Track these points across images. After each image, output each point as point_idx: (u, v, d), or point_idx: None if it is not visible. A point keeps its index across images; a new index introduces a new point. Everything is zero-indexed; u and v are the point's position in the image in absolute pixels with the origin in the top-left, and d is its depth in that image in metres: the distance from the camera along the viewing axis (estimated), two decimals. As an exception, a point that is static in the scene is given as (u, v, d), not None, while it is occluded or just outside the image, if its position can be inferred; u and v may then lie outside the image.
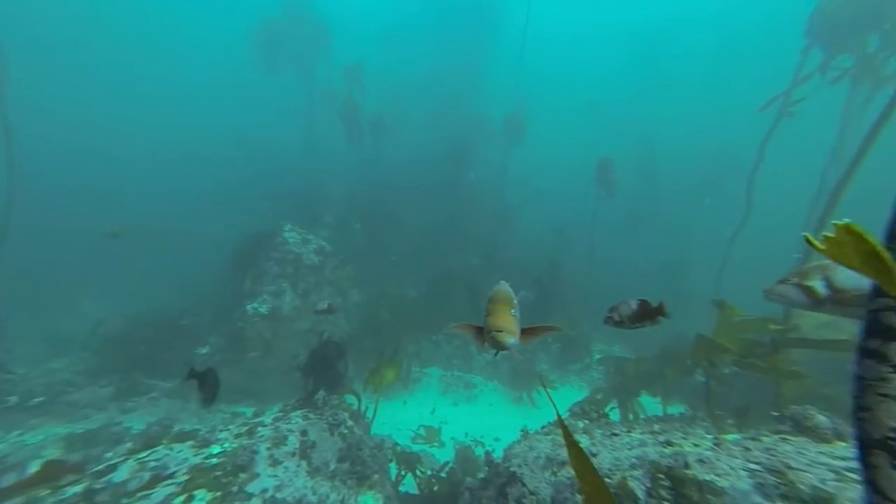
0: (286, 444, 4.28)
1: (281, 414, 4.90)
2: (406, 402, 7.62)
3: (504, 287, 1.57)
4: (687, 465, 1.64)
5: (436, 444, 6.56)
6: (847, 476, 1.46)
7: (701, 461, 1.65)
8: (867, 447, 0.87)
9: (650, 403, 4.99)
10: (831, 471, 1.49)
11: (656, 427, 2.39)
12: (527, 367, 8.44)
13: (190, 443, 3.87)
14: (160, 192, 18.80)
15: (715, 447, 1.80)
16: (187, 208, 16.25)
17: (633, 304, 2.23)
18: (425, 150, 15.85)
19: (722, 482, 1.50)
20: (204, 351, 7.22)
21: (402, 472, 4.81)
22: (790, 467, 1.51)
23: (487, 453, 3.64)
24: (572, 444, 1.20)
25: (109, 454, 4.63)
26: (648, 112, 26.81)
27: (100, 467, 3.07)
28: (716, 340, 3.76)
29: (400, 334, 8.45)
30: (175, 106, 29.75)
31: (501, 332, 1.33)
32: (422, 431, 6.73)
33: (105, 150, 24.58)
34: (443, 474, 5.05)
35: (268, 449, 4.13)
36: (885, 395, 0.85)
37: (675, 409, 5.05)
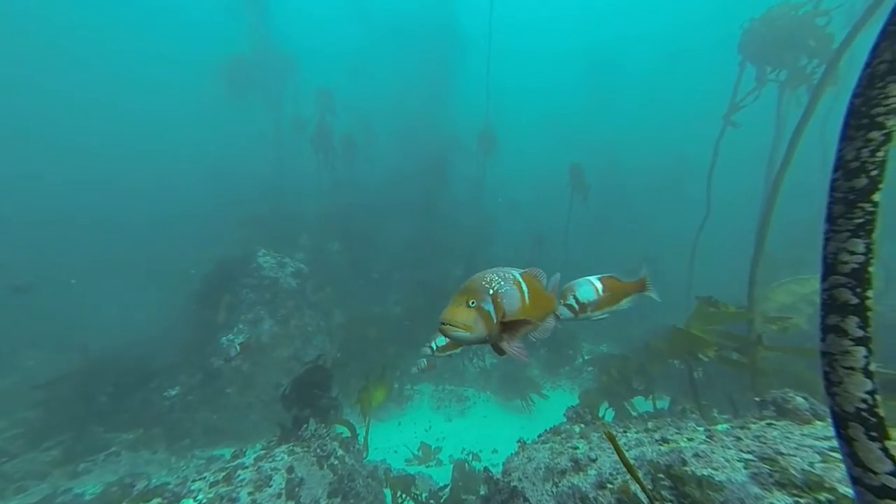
0: (270, 486, 3.99)
1: (263, 452, 4.57)
2: (400, 422, 7.37)
3: (480, 276, 1.36)
4: (684, 462, 1.65)
5: (433, 463, 6.35)
6: (830, 456, 1.51)
7: (697, 456, 1.66)
8: (842, 421, 0.90)
9: (640, 400, 5.09)
10: (817, 452, 1.53)
11: (650, 424, 2.42)
12: (518, 374, 8.43)
13: (157, 500, 3.51)
14: (127, 221, 17.69)
15: (708, 440, 1.82)
16: (154, 238, 15.36)
17: (597, 284, 2.13)
18: (400, 168, 16.00)
19: (720, 476, 1.51)
20: (174, 392, 6.69)
21: (400, 498, 4.59)
22: (780, 453, 1.54)
23: (486, 469, 3.55)
24: (630, 469, 1.14)
25: None
26: (605, 121, 28.65)
27: None
28: (693, 333, 3.91)
29: (387, 352, 8.24)
30: (142, 137, 28.57)
31: (444, 325, 1.23)
32: (417, 452, 6.50)
33: (72, 181, 23.06)
34: (442, 495, 4.87)
35: (249, 494, 3.82)
36: (851, 368, 0.88)
37: (661, 402, 5.18)
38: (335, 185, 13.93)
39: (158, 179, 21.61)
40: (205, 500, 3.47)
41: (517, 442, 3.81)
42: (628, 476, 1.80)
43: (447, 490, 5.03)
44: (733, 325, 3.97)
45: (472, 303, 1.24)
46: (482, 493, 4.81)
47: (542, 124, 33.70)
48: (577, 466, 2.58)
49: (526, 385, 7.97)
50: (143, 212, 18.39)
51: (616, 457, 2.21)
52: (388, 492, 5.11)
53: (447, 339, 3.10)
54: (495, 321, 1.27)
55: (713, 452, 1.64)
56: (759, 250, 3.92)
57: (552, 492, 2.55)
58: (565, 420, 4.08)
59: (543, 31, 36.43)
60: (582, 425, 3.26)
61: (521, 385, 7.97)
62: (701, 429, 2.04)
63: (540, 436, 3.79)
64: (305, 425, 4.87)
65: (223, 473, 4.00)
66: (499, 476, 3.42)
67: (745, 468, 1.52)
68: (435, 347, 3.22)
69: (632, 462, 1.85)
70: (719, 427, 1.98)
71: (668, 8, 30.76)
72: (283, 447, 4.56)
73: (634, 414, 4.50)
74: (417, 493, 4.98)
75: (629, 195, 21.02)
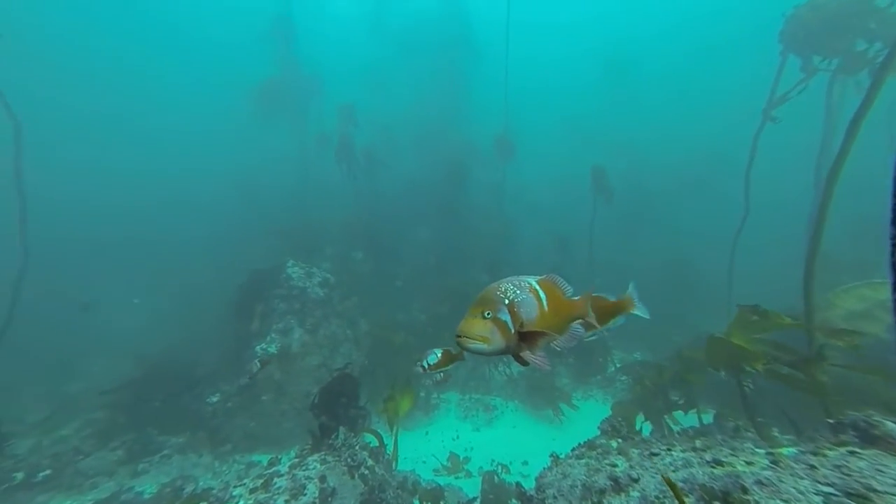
0: (304, 495, 4.08)
1: (297, 460, 4.69)
2: (428, 431, 7.35)
3: (495, 286, 1.33)
4: (745, 490, 1.51)
5: (462, 474, 6.27)
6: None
7: (760, 483, 1.51)
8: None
9: (680, 414, 4.79)
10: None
11: (698, 443, 2.25)
12: (546, 383, 8.20)
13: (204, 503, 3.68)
14: (162, 239, 19.04)
15: (773, 466, 1.65)
16: (189, 254, 16.39)
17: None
18: (420, 177, 16.27)
19: None
20: (215, 399, 7.03)
21: (430, 512, 4.55)
22: (873, 490, 1.34)
23: (518, 485, 3.45)
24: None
25: None
26: (626, 121, 27.84)
27: None
28: (733, 343, 3.61)
29: (412, 359, 8.26)
30: (174, 158, 30.81)
31: (461, 337, 1.22)
32: (446, 462, 6.44)
33: (109, 201, 25.22)
34: None
35: (286, 502, 3.93)
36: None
37: (706, 416, 4.84)
38: (358, 196, 14.34)
39: (196, 198, 23.08)
40: (247, 506, 3.60)
41: (550, 456, 3.69)
42: (677, 502, 1.69)
43: (477, 503, 4.94)
44: (784, 334, 3.65)
45: (489, 314, 1.23)
46: (514, 507, 4.68)
47: (561, 127, 33.20)
48: (618, 486, 2.46)
49: (555, 394, 7.73)
50: (182, 229, 19.70)
51: (661, 478, 2.08)
52: (417, 503, 5.09)
53: (439, 358, 3.07)
54: (513, 331, 1.24)
55: (781, 481, 1.47)
56: (814, 250, 3.59)
57: (592, 512, 2.43)
58: (600, 433, 3.91)
59: (560, 33, 36.01)
60: (619, 440, 3.10)
61: (550, 394, 7.74)
62: (762, 451, 1.86)
63: (574, 450, 3.65)
64: (336, 434, 4.96)
65: (261, 480, 4.14)
66: (532, 492, 3.32)
67: (824, 503, 1.34)
68: (427, 366, 3.16)
69: (680, 485, 1.73)
70: (785, 451, 1.79)
71: (691, -1, 29.58)
72: (316, 456, 4.65)
73: (676, 429, 4.23)
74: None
75: (654, 196, 20.23)
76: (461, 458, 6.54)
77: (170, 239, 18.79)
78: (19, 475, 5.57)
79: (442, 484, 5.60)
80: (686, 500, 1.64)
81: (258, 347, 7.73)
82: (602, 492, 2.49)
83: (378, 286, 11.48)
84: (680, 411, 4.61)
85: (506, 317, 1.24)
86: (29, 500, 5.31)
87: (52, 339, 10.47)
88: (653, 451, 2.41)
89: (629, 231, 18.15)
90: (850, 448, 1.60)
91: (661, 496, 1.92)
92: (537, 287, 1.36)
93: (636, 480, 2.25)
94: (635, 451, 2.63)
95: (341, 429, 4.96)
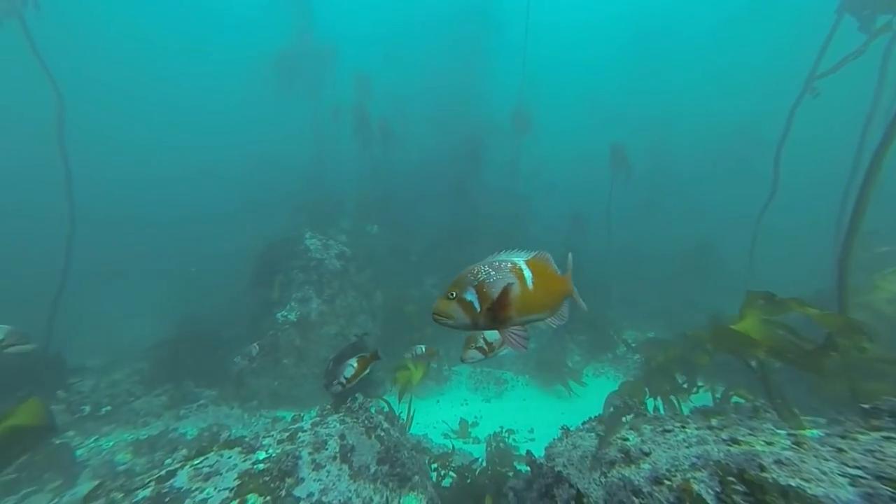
0: (326, 449, 4.37)
1: (318, 418, 5.00)
2: (439, 400, 7.67)
3: (470, 267, 1.39)
4: (762, 468, 1.51)
5: (470, 440, 6.58)
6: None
7: (780, 462, 1.51)
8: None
9: (701, 394, 4.77)
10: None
11: (714, 421, 2.26)
12: (557, 359, 8.33)
13: (237, 449, 4.01)
14: (186, 213, 19.63)
15: (795, 447, 1.64)
16: (212, 225, 16.91)
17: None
18: (435, 151, 15.96)
19: (814, 489, 1.34)
20: (240, 359, 7.49)
21: (442, 472, 4.83)
22: None
23: (528, 452, 3.60)
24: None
25: (168, 460, 4.97)
26: (652, 95, 25.98)
27: (162, 472, 3.25)
28: (738, 332, 3.45)
29: (425, 332, 8.50)
30: (198, 132, 31.03)
31: (434, 314, 1.33)
32: (456, 428, 6.76)
33: (140, 174, 25.97)
34: (476, 466, 5.06)
35: (310, 454, 4.22)
36: None
37: (708, 395, 4.81)
38: (373, 169, 14.24)
39: (215, 171, 23.41)
40: (274, 455, 3.91)
41: (561, 428, 3.80)
42: (689, 474, 1.72)
43: (481, 463, 5.22)
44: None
45: (453, 294, 1.32)
46: (522, 471, 4.92)
47: (582, 101, 31.42)
48: (628, 458, 2.53)
49: (565, 371, 7.87)
50: (206, 201, 20.20)
51: (674, 453, 2.12)
52: (432, 465, 5.39)
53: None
54: (479, 310, 1.30)
55: (803, 461, 1.46)
56: (852, 232, 3.37)
57: (600, 481, 2.52)
58: (611, 409, 3.98)
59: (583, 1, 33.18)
60: (631, 415, 3.16)
61: (561, 371, 7.88)
62: (783, 432, 1.85)
63: (584, 423, 3.74)
64: (353, 398, 5.23)
65: (287, 434, 4.45)
66: (542, 460, 3.46)
67: (851, 485, 1.33)
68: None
69: (694, 461, 1.76)
70: (809, 433, 1.77)
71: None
72: (335, 416, 4.95)
73: (689, 407, 4.25)
74: (454, 465, 5.22)
75: (680, 176, 19.28)
76: (470, 423, 6.84)
77: (195, 211, 19.35)
78: (87, 408, 6.53)
79: (450, 447, 5.90)
80: (698, 474, 1.67)
81: (279, 315, 8.07)
82: (612, 463, 2.57)
83: (392, 260, 11.64)
84: (695, 392, 4.61)
85: (471, 297, 1.31)
86: (96, 429, 6.19)
87: (100, 300, 11.40)
88: (666, 427, 2.44)
89: (651, 212, 17.56)
90: (886, 433, 1.55)
91: (672, 469, 1.96)
92: (522, 266, 1.38)
93: (647, 454, 2.31)
94: (647, 426, 2.68)
95: (358, 394, 5.22)
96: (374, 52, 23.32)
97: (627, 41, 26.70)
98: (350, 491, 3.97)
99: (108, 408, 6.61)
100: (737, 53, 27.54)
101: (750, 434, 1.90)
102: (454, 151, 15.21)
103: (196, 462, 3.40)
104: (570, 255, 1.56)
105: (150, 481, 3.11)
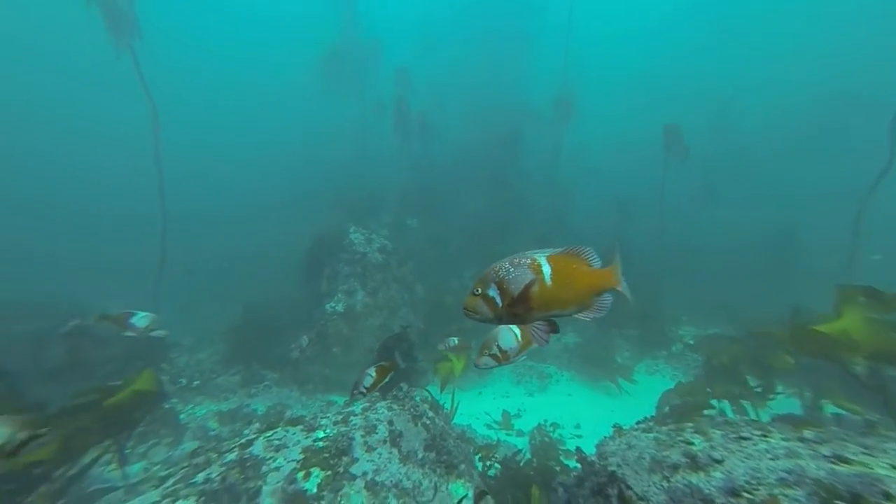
0: (377, 433, 4.60)
1: (368, 405, 5.28)
2: (481, 392, 7.73)
3: (495, 264, 1.44)
4: (889, 496, 1.28)
5: (513, 432, 6.56)
6: None
7: None
8: None
9: (783, 399, 4.26)
10: None
11: (807, 433, 2.00)
12: (604, 355, 7.97)
13: (300, 427, 4.38)
14: (243, 210, 21.39)
15: None
16: (266, 220, 18.29)
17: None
18: (474, 142, 15.75)
19: None
20: (296, 345, 8.12)
21: (488, 463, 4.89)
22: None
23: (578, 449, 3.50)
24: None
25: (246, 430, 5.66)
26: (715, 65, 23.03)
27: (242, 441, 3.67)
28: (831, 333, 2.97)
29: (465, 325, 8.54)
30: (243, 135, 33.54)
31: (464, 309, 1.42)
32: (499, 419, 6.77)
33: (202, 176, 28.68)
34: (520, 458, 5.05)
35: (362, 436, 4.48)
36: None
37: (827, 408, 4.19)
38: (412, 163, 14.42)
39: (265, 170, 25.14)
40: (331, 434, 4.22)
41: (613, 426, 3.65)
42: (776, 489, 1.54)
43: (525, 454, 5.18)
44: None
45: (478, 290, 1.40)
46: (570, 466, 4.82)
47: (630, 81, 28.87)
48: (695, 464, 2.34)
49: (614, 367, 7.50)
50: (260, 197, 21.84)
51: (754, 463, 1.93)
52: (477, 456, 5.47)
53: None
54: (501, 305, 1.37)
55: None
56: None
57: (662, 486, 2.38)
58: (667, 410, 3.73)
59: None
60: (694, 419, 2.91)
61: (609, 367, 7.53)
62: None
63: (639, 423, 3.55)
64: (399, 387, 5.44)
65: (341, 416, 4.76)
66: (593, 458, 3.35)
67: None
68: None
69: (783, 476, 1.57)
70: None
71: None
72: (383, 403, 5.19)
73: (768, 415, 3.83)
74: (498, 457, 5.25)
75: (752, 152, 17.16)
76: (512, 414, 6.81)
77: (248, 207, 21.04)
78: (183, 381, 7.74)
79: (494, 438, 5.93)
80: (789, 491, 1.48)
81: (328, 306, 8.59)
82: (675, 467, 2.41)
83: (432, 252, 11.79)
84: (772, 398, 4.14)
85: (493, 293, 1.38)
86: (191, 399, 7.31)
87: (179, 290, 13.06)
88: (742, 434, 2.22)
89: (712, 196, 15.88)
90: None
91: (751, 481, 1.78)
92: (542, 262, 1.40)
93: (719, 462, 2.12)
94: (717, 431, 2.46)
95: (403, 383, 5.42)
96: (413, 44, 23.36)
97: (684, 8, 23.99)
98: (400, 473, 4.17)
99: (198, 382, 7.75)
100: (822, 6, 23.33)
101: (865, 453, 1.64)
102: (493, 141, 14.92)
103: (268, 434, 3.78)
104: (616, 245, 1.48)
105: (234, 447, 3.54)
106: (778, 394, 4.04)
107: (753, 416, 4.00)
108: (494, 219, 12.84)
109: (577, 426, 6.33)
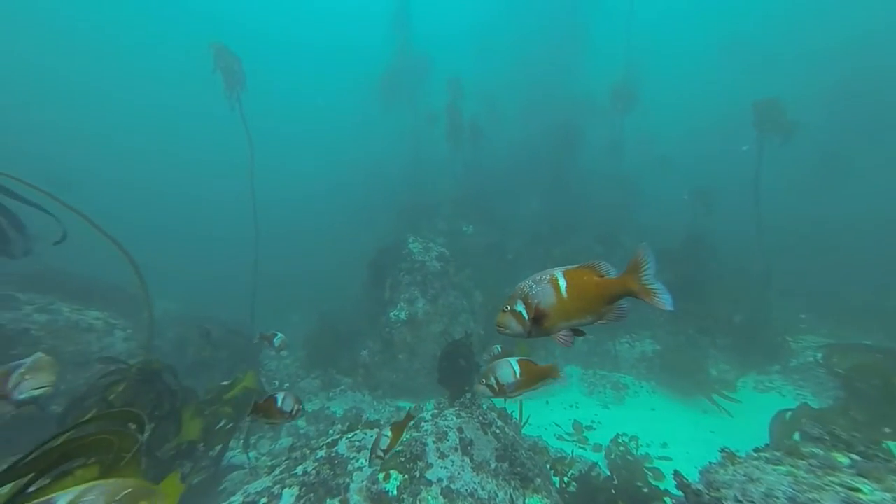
0: (447, 440, 4.59)
1: (436, 411, 5.30)
2: (548, 401, 7.31)
3: (521, 283, 1.55)
4: None
5: (589, 446, 6.05)
6: None
7: None
8: None
9: None
10: None
11: None
12: (692, 366, 7.00)
13: (375, 430, 4.54)
14: (309, 227, 23.52)
15: None
16: (334, 233, 19.85)
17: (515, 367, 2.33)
18: (528, 146, 15.35)
19: None
20: (364, 353, 8.56)
21: (565, 480, 4.56)
22: None
23: (678, 473, 3.05)
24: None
25: (331, 431, 6.13)
26: (828, 25, 19.20)
27: (328, 440, 3.95)
28: None
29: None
30: (316, 152, 37.15)
31: (496, 324, 1.57)
32: (571, 430, 6.31)
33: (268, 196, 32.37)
34: (596, 473, 4.60)
35: (434, 442, 4.50)
36: None
37: None
38: (466, 170, 14.49)
39: (336, 188, 27.28)
40: (405, 439, 4.32)
41: (721, 451, 3.13)
42: None
43: (603, 471, 4.71)
44: None
45: (507, 307, 1.54)
46: (659, 488, 4.27)
47: (708, 56, 25.44)
48: (860, 514, 1.86)
49: (709, 381, 6.53)
50: (326, 214, 23.88)
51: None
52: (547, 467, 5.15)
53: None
54: (527, 318, 1.50)
55: None
56: None
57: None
58: (804, 438, 3.06)
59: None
60: (851, 454, 2.30)
61: (701, 379, 6.58)
62: None
63: (761, 450, 3.00)
64: (466, 393, 5.37)
65: (412, 422, 4.85)
66: (699, 486, 2.89)
67: None
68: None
69: None
70: None
71: None
72: (451, 410, 5.17)
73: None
74: (573, 472, 4.86)
75: (878, 123, 14.05)
76: (585, 426, 6.30)
77: (319, 223, 23.08)
78: (276, 382, 8.63)
79: (568, 451, 5.52)
80: None
81: (391, 314, 8.93)
82: (824, 514, 1.94)
83: (488, 259, 11.65)
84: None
85: (520, 308, 1.52)
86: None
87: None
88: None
89: (828, 178, 13.20)
90: None
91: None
92: (559, 276, 1.50)
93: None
94: (894, 478, 1.92)
95: (468, 391, 5.34)
96: (466, 48, 23.65)
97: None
98: (475, 483, 4.08)
99: (287, 384, 8.59)
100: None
101: None
102: (550, 138, 14.34)
103: (350, 436, 4.00)
104: (644, 247, 1.40)
105: (322, 445, 3.83)
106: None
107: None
108: (553, 220, 12.26)
109: (664, 445, 5.62)
